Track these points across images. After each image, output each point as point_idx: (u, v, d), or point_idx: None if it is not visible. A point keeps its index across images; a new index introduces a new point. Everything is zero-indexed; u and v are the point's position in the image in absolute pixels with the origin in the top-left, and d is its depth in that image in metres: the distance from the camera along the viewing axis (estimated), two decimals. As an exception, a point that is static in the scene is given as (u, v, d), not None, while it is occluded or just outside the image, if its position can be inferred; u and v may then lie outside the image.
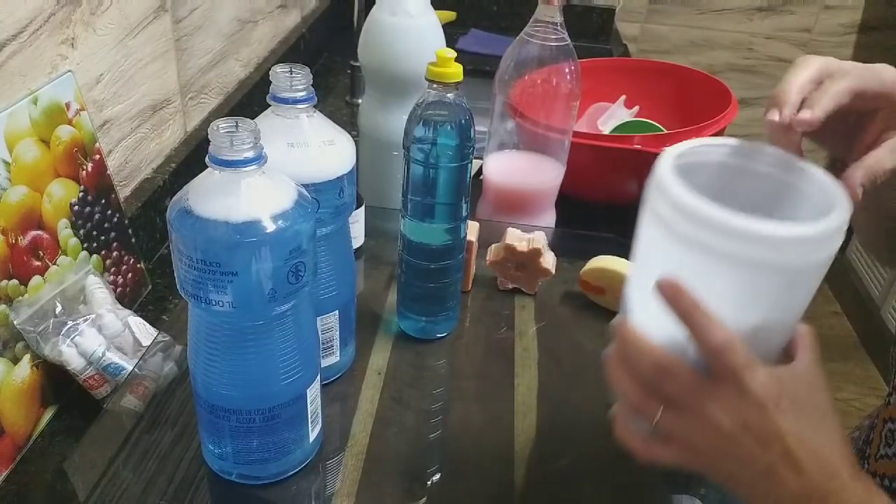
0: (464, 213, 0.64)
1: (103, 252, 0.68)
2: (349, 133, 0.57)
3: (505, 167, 0.87)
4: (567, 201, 0.91)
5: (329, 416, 0.58)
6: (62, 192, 0.63)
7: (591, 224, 0.97)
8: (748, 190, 0.43)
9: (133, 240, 0.73)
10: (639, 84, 1.13)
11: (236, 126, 0.43)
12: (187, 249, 0.43)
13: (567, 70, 0.80)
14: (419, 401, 0.63)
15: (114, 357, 0.60)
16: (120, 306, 0.65)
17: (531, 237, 0.74)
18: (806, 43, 2.34)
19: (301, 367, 0.50)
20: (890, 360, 0.56)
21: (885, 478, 0.50)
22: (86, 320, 0.61)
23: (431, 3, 0.82)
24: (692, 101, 1.07)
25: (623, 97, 1.12)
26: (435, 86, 0.59)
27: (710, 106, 0.99)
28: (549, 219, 0.89)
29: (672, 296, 0.37)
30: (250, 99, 1.07)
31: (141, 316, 0.66)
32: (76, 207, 0.65)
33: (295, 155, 0.52)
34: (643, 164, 0.91)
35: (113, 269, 0.70)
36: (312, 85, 0.52)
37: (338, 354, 0.62)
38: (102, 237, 0.68)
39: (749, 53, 2.37)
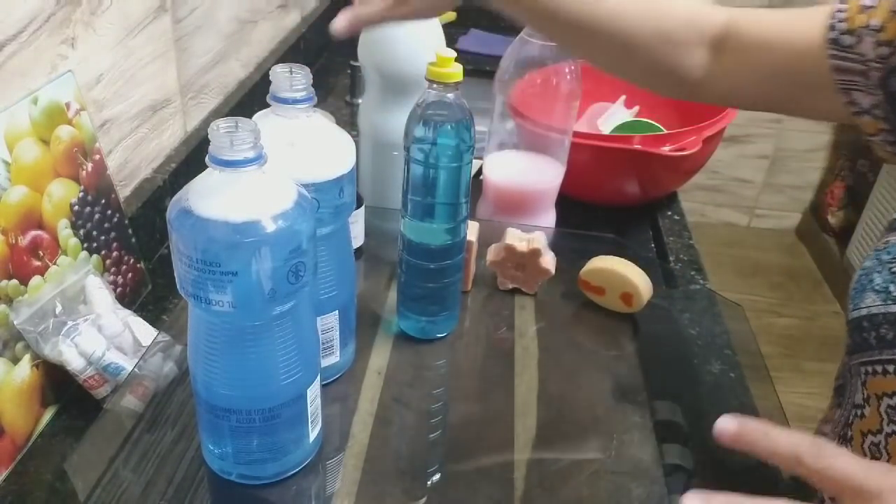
0: (464, 213, 0.64)
1: (103, 252, 0.68)
2: (349, 133, 0.57)
3: (505, 167, 0.87)
4: (567, 201, 0.91)
5: (329, 416, 0.58)
6: (62, 192, 0.63)
7: (591, 224, 0.97)
8: None
9: (133, 240, 0.73)
10: (639, 84, 1.13)
11: (236, 126, 0.43)
12: (187, 249, 0.43)
13: (567, 70, 0.80)
14: (419, 401, 0.63)
15: (114, 357, 0.60)
16: (120, 306, 0.65)
17: (531, 237, 0.74)
18: (806, 43, 2.34)
19: (301, 367, 0.50)
20: (845, 370, 0.55)
21: None
22: (86, 320, 0.61)
23: (431, 3, 0.82)
24: (692, 101, 1.07)
25: (623, 97, 1.12)
26: (435, 86, 0.58)
27: (710, 106, 0.99)
28: (549, 219, 0.89)
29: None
30: (250, 99, 1.07)
31: (141, 316, 0.66)
32: (76, 207, 0.65)
33: (295, 155, 0.52)
34: (643, 164, 0.92)
35: (113, 269, 0.70)
36: (312, 85, 0.52)
37: (338, 354, 0.62)
38: (102, 237, 0.68)
39: (749, 53, 2.37)
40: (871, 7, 0.53)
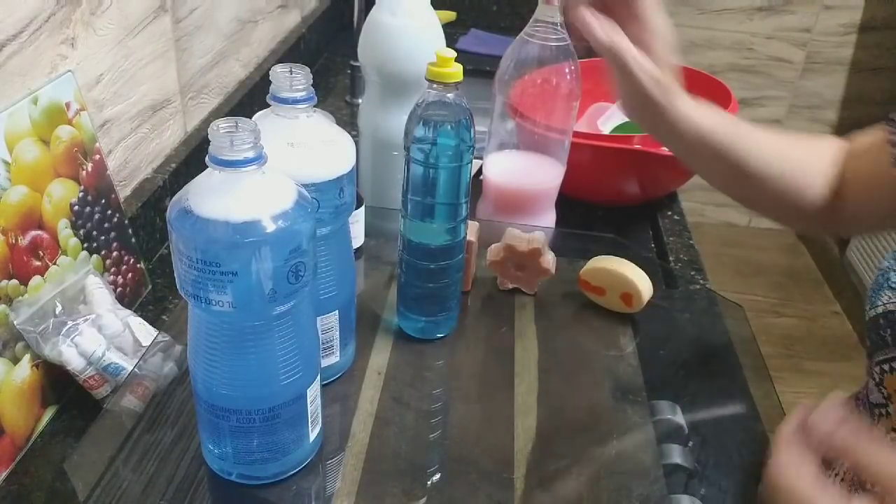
0: (464, 213, 0.64)
1: (103, 252, 0.68)
2: (349, 133, 0.57)
3: (505, 167, 0.87)
4: (567, 201, 0.91)
5: (329, 416, 0.58)
6: (62, 192, 0.63)
7: (591, 224, 0.97)
8: None
9: (133, 240, 0.73)
10: (639, 84, 1.13)
11: (236, 126, 0.42)
12: (187, 249, 0.43)
13: (567, 70, 0.80)
14: (419, 401, 0.63)
15: (114, 357, 0.60)
16: (120, 306, 0.65)
17: (531, 237, 0.74)
18: (806, 43, 2.34)
19: (301, 367, 0.50)
20: (875, 368, 0.55)
21: None
22: (86, 320, 0.61)
23: (431, 3, 0.82)
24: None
25: (623, 97, 1.12)
26: (435, 86, 0.58)
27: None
28: (549, 219, 0.89)
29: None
30: (250, 99, 1.07)
31: (141, 316, 0.66)
32: (76, 207, 0.65)
33: (295, 155, 0.52)
34: (643, 164, 0.92)
35: (113, 269, 0.70)
36: (312, 85, 0.52)
37: (338, 354, 0.62)
38: (102, 237, 0.68)
39: (749, 53, 2.37)
40: None
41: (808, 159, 0.67)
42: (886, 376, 0.51)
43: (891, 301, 0.51)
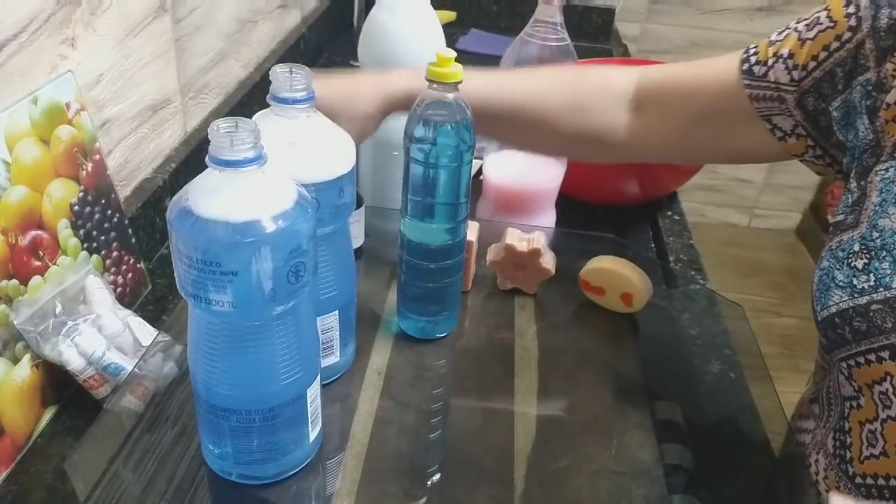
0: (464, 213, 0.64)
1: (103, 252, 0.68)
2: (349, 133, 0.57)
3: (505, 167, 0.87)
4: (567, 201, 0.91)
5: (329, 416, 0.58)
6: (62, 192, 0.63)
7: (591, 224, 0.97)
8: None
9: (133, 240, 0.73)
10: (639, 84, 1.13)
11: (236, 126, 0.42)
12: (187, 249, 0.43)
13: (567, 70, 0.80)
14: (419, 401, 0.63)
15: (114, 357, 0.60)
16: (120, 306, 0.65)
17: (531, 237, 0.74)
18: (806, 43, 2.34)
19: (301, 367, 0.50)
20: (841, 364, 0.56)
21: (878, 477, 0.50)
22: (86, 320, 0.61)
23: (431, 3, 0.82)
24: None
25: (623, 97, 1.12)
26: (435, 86, 0.59)
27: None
28: (549, 219, 0.89)
29: None
30: (250, 99, 1.07)
31: (141, 316, 0.66)
32: (76, 207, 0.65)
33: (295, 155, 0.52)
34: (643, 164, 0.91)
35: (113, 269, 0.70)
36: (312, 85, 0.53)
37: (338, 354, 0.62)
38: (102, 237, 0.68)
39: (749, 53, 2.37)
40: (778, 41, 0.61)
41: (598, 90, 0.69)
42: (855, 370, 0.52)
43: (842, 300, 0.51)
